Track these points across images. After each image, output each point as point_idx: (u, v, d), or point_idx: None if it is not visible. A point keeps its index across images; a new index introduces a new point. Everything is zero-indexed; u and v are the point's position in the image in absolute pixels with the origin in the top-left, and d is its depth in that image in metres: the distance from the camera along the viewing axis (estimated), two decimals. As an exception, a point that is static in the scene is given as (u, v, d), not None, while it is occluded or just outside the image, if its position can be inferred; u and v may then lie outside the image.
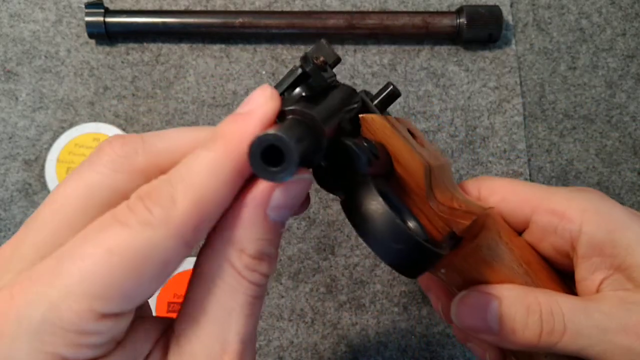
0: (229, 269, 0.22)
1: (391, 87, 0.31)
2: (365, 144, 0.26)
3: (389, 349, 0.49)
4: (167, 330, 0.23)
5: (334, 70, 0.30)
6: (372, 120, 0.28)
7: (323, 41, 0.29)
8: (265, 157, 0.20)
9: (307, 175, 0.23)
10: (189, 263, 0.22)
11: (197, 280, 0.22)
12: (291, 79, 0.27)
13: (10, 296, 0.19)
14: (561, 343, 0.27)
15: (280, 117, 0.23)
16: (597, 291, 0.29)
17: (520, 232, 0.32)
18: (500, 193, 0.32)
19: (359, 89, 0.31)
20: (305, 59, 0.27)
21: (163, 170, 0.21)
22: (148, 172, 0.22)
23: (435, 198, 0.29)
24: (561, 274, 0.31)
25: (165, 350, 0.22)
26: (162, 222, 0.20)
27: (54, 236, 0.21)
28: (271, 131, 0.20)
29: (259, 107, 0.22)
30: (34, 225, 0.22)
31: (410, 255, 0.24)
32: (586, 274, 0.29)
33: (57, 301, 0.19)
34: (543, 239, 0.31)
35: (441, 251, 0.25)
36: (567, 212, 0.29)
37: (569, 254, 0.30)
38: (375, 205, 0.24)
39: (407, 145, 0.28)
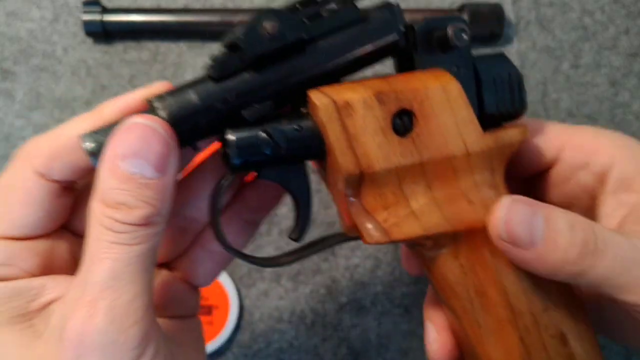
0: (91, 218, 0.24)
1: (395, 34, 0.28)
2: (280, 128, 0.26)
3: (390, 351, 0.49)
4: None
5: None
6: (313, 106, 0.26)
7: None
8: None
9: (135, 120, 0.25)
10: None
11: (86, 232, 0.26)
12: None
13: None
14: (597, 267, 0.26)
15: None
16: (619, 227, 0.28)
17: (546, 170, 0.31)
18: (536, 131, 0.31)
19: None
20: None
21: None
22: None
23: (359, 201, 0.28)
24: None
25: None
26: (18, 158, 0.27)
27: None
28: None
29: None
30: None
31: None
32: (610, 210, 0.29)
33: None
34: (571, 177, 0.30)
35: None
36: (599, 147, 0.29)
37: (594, 192, 0.30)
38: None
39: (337, 145, 0.26)
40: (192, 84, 0.26)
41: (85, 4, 0.49)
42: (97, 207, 0.24)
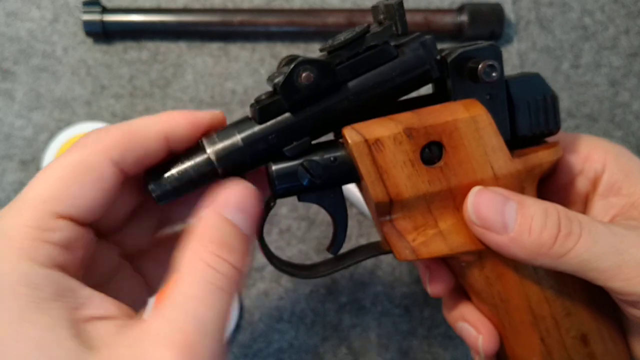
0: (192, 258, 0.25)
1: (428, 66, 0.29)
2: (316, 160, 0.29)
3: (390, 350, 0.49)
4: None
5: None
6: (346, 142, 0.28)
7: None
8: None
9: (240, 181, 0.27)
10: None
11: (176, 268, 0.25)
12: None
13: None
14: (575, 250, 0.27)
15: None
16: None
17: (545, 178, 0.32)
18: None
19: None
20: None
21: None
22: None
23: (391, 222, 0.30)
24: None
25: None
26: (95, 144, 0.26)
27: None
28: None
29: None
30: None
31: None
32: (600, 211, 0.31)
33: (21, 206, 0.25)
34: (569, 183, 0.32)
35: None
36: (591, 154, 0.31)
37: (587, 197, 0.32)
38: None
39: (368, 178, 0.28)
40: (237, 124, 0.29)
41: (85, 4, 0.49)
42: (197, 248, 0.25)
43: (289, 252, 0.49)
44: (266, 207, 0.31)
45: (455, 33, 0.51)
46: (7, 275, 0.23)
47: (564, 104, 0.52)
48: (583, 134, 0.33)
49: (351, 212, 0.49)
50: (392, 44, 0.29)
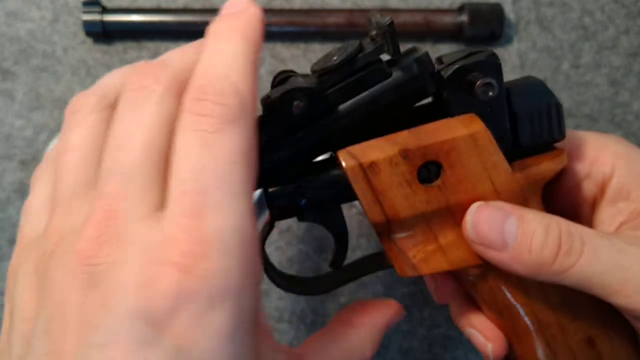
0: None
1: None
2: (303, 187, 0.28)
3: (390, 351, 0.49)
4: None
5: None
6: (341, 166, 0.27)
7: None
8: None
9: None
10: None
11: None
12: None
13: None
14: (576, 267, 0.26)
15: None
16: (615, 233, 0.29)
17: (552, 181, 0.31)
18: None
19: None
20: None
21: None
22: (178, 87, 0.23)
23: (392, 240, 0.30)
24: None
25: None
26: (240, 110, 0.21)
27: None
28: None
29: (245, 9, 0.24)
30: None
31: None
32: (607, 218, 0.29)
33: None
34: (577, 187, 0.31)
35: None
36: (600, 157, 0.30)
37: (595, 201, 0.30)
38: None
39: (364, 200, 0.28)
40: None
41: (85, 4, 0.49)
42: None
43: (289, 252, 0.49)
44: (267, 230, 0.31)
45: (455, 33, 0.51)
46: None
47: (564, 104, 0.52)
48: (588, 132, 0.32)
49: (351, 212, 0.49)
50: (386, 59, 0.28)
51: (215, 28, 0.24)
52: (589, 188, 0.30)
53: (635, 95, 0.53)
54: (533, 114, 0.29)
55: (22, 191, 0.48)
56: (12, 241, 0.48)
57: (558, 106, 0.29)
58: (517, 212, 0.27)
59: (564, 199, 0.32)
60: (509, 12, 0.53)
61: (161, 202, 0.21)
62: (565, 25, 0.53)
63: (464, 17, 0.50)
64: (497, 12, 0.50)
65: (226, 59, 0.22)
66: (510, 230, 0.27)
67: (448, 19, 0.51)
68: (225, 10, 0.24)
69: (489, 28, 0.50)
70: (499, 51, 0.52)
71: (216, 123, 0.20)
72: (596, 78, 0.53)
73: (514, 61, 0.52)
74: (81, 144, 0.23)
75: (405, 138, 0.27)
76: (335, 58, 0.27)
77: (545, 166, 0.29)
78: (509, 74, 0.52)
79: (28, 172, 0.49)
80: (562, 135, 0.29)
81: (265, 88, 0.52)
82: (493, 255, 0.27)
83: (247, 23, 0.23)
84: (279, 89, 0.28)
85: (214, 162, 0.20)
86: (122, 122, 0.22)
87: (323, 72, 0.27)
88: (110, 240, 0.20)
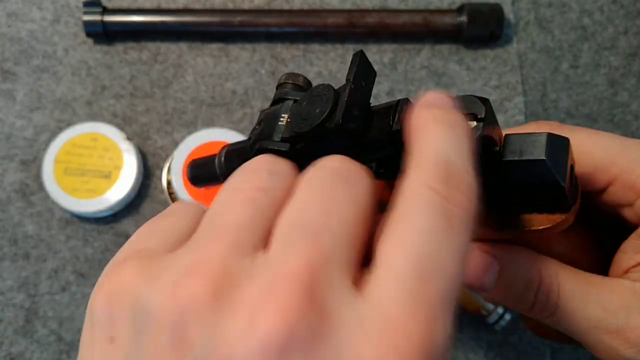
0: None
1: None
2: None
3: (390, 350, 0.49)
4: None
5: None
6: None
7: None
8: None
9: None
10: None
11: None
12: None
13: None
14: (550, 319, 0.27)
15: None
16: (625, 272, 0.28)
17: (598, 192, 0.29)
18: (587, 145, 0.29)
19: None
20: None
21: None
22: None
23: None
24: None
25: None
26: (474, 213, 0.17)
27: None
28: None
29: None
30: None
31: None
32: (630, 251, 0.28)
33: None
34: (616, 208, 0.28)
35: None
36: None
37: (629, 226, 0.28)
38: None
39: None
40: None
41: (86, 4, 0.50)
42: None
43: (289, 252, 0.49)
44: None
45: (455, 33, 0.51)
46: None
47: (563, 104, 0.52)
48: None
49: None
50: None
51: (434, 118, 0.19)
52: (630, 215, 0.28)
53: (634, 95, 0.53)
54: (529, 195, 0.24)
55: (22, 191, 0.48)
56: (12, 241, 0.48)
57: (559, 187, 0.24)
58: (499, 256, 0.27)
59: (594, 217, 0.29)
60: (509, 12, 0.53)
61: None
62: (564, 25, 0.53)
63: (463, 18, 0.50)
64: (497, 13, 0.51)
65: (461, 153, 0.18)
66: (490, 278, 0.27)
67: (448, 20, 0.51)
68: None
69: (489, 28, 0.50)
70: (498, 51, 0.52)
71: (465, 215, 0.17)
72: (595, 78, 0.53)
73: (514, 61, 0.52)
74: None
75: None
76: (306, 125, 0.23)
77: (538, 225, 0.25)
78: (509, 75, 0.52)
79: (28, 173, 0.49)
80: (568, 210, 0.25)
81: (266, 88, 0.52)
82: (474, 290, 0.28)
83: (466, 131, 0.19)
84: (254, 142, 0.25)
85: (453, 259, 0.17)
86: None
87: (291, 138, 0.24)
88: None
